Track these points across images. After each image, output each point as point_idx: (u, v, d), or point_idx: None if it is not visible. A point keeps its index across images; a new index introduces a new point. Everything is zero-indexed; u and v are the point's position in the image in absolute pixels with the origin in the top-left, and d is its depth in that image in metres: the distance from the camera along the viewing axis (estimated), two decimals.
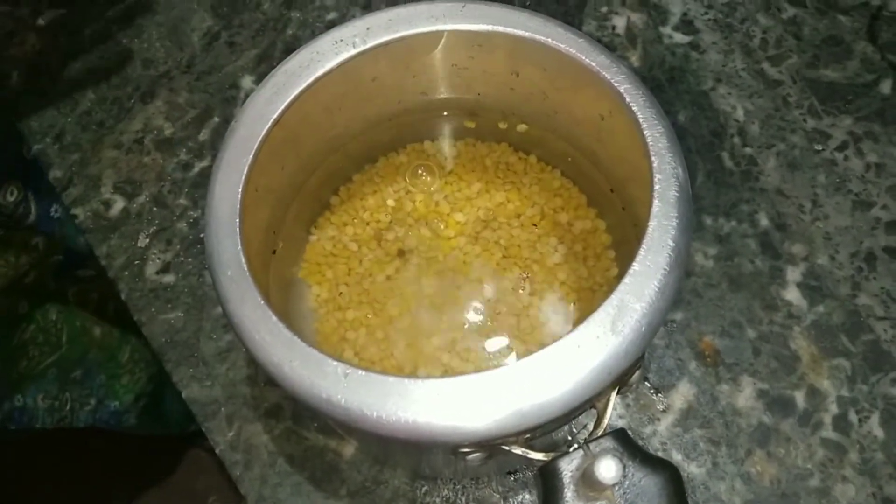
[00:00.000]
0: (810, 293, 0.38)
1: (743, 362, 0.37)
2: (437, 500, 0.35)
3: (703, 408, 0.36)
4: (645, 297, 0.24)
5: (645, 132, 0.27)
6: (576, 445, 0.24)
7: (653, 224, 0.25)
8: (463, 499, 0.35)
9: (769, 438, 0.35)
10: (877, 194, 0.40)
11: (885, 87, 0.43)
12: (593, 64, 0.28)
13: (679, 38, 0.45)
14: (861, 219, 0.40)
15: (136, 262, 0.41)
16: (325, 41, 0.29)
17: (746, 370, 0.37)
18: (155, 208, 0.42)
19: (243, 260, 0.26)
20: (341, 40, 0.29)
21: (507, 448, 0.24)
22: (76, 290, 0.57)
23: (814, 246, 0.39)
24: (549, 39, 0.29)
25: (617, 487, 0.22)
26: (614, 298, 0.24)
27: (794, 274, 0.38)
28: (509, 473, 0.35)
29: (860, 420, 0.36)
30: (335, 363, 0.24)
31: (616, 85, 0.28)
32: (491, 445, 0.24)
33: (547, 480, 0.23)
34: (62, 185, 0.44)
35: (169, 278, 0.41)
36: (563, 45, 0.29)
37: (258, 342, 0.25)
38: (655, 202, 0.26)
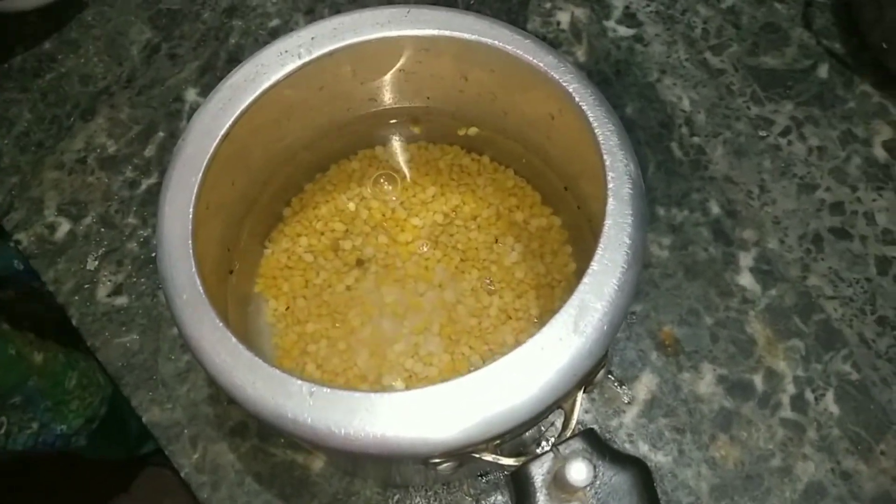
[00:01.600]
0: (763, 277, 0.39)
1: (702, 349, 0.38)
2: None
3: (667, 397, 0.37)
4: (605, 296, 0.24)
5: (596, 131, 0.27)
6: (545, 448, 0.24)
7: (608, 223, 0.26)
8: None
9: (731, 422, 0.36)
10: (820, 177, 0.41)
11: (822, 71, 0.44)
12: (541, 64, 0.28)
13: (623, 31, 0.45)
14: (807, 202, 0.41)
15: (87, 286, 0.40)
16: (270, 52, 0.29)
17: (706, 357, 0.37)
18: (103, 229, 0.41)
19: (198, 282, 0.25)
20: (286, 51, 0.29)
21: (477, 455, 0.24)
22: (6, 315, 0.54)
23: (764, 231, 0.40)
24: (496, 42, 0.29)
25: (588, 488, 0.22)
26: (575, 299, 0.24)
27: (746, 259, 0.39)
28: (480, 476, 0.35)
29: (816, 398, 0.37)
30: (299, 382, 0.24)
31: (564, 84, 0.28)
32: (461, 454, 0.24)
33: (519, 485, 0.23)
34: (2, 209, 0.42)
35: (122, 300, 0.39)
36: (510, 47, 0.29)
37: (219, 365, 0.24)
38: (610, 200, 0.26)
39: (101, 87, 0.45)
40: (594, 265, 0.25)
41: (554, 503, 0.22)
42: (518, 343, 0.35)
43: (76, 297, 0.40)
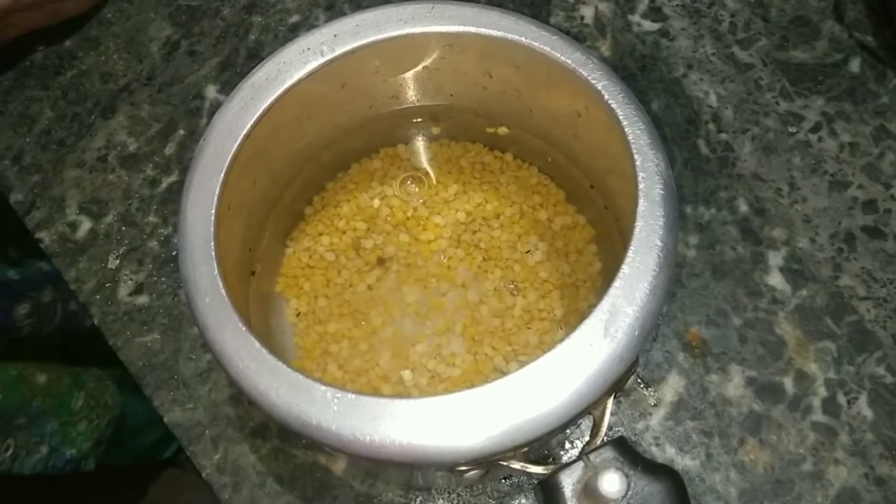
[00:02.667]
0: (793, 277, 0.38)
1: (730, 351, 0.37)
2: None
3: (694, 399, 0.36)
4: (636, 301, 0.24)
5: (626, 129, 0.26)
6: (573, 456, 0.23)
7: (639, 224, 0.25)
8: None
9: (760, 426, 0.35)
10: (852, 174, 0.40)
11: (854, 65, 0.43)
12: (569, 61, 0.28)
13: (648, 25, 0.44)
14: (838, 199, 0.40)
15: (108, 285, 0.40)
16: (292, 50, 0.28)
17: (734, 359, 0.37)
18: (124, 227, 0.41)
19: (221, 285, 0.25)
20: (308, 49, 0.28)
21: (504, 463, 0.23)
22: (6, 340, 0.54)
23: (793, 229, 0.39)
24: (522, 38, 0.28)
25: (621, 499, 0.22)
26: (605, 303, 0.24)
27: (775, 259, 0.38)
28: (504, 478, 0.35)
29: (849, 402, 0.36)
30: (323, 388, 0.23)
31: (593, 82, 0.27)
32: (488, 462, 0.23)
33: (548, 494, 0.23)
34: (24, 208, 0.42)
35: (143, 299, 0.39)
36: (536, 44, 0.28)
37: (242, 370, 0.24)
38: (641, 201, 0.25)
39: (122, 85, 0.45)
40: (625, 268, 0.24)
41: None
42: (542, 343, 0.35)
43: (97, 297, 0.40)
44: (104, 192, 0.42)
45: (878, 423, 0.35)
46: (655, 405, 0.36)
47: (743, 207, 0.40)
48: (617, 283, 0.24)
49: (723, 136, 0.41)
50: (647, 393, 0.36)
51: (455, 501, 0.35)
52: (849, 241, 0.39)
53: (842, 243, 0.39)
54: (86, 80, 0.45)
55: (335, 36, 0.28)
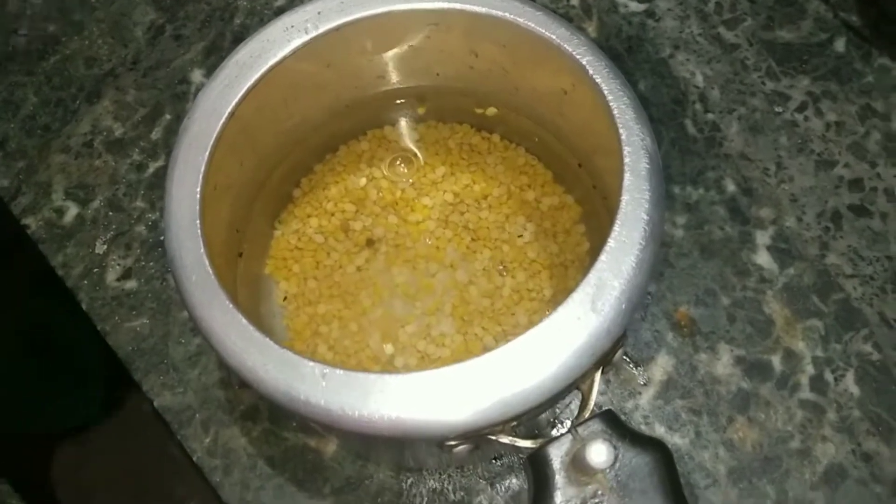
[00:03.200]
0: (780, 256, 0.38)
1: (719, 330, 0.37)
2: (424, 491, 0.35)
3: (683, 378, 0.36)
4: (623, 274, 0.24)
5: (611, 104, 0.26)
6: (563, 430, 0.23)
7: (625, 198, 0.25)
8: (450, 488, 0.35)
9: (749, 404, 0.36)
10: (838, 153, 0.40)
11: (839, 45, 0.43)
12: (553, 37, 0.28)
13: (634, 6, 0.44)
14: (825, 178, 0.40)
15: (95, 270, 0.39)
16: (276, 28, 0.28)
17: (723, 337, 0.37)
18: (111, 213, 0.41)
19: (207, 263, 0.25)
20: (292, 26, 0.28)
21: (493, 437, 0.23)
22: None
23: (781, 208, 0.39)
24: (507, 14, 0.28)
25: (608, 470, 0.22)
26: (592, 277, 0.24)
27: (763, 238, 0.39)
28: (495, 459, 0.35)
29: (836, 379, 0.36)
30: (312, 364, 0.23)
31: (578, 57, 0.27)
32: (477, 436, 0.23)
33: (537, 468, 0.23)
34: (10, 194, 0.42)
35: (131, 284, 0.39)
36: (521, 20, 0.28)
37: (230, 348, 0.24)
38: (626, 176, 0.25)
39: (107, 70, 0.44)
40: (611, 242, 0.24)
41: (573, 485, 0.22)
42: (532, 323, 0.35)
43: (85, 282, 0.39)
44: (91, 178, 0.42)
45: (865, 400, 0.35)
46: (645, 384, 0.36)
47: (730, 187, 0.40)
48: (603, 257, 0.24)
49: (710, 116, 0.41)
50: (636, 372, 0.36)
51: (446, 482, 0.35)
52: (835, 219, 0.39)
53: (828, 222, 0.39)
54: (70, 64, 0.45)
55: (319, 13, 0.28)
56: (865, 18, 0.43)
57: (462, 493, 0.35)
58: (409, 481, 0.35)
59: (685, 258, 0.38)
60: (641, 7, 0.44)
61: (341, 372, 0.23)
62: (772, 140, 0.41)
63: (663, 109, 0.41)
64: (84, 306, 0.39)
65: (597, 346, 0.23)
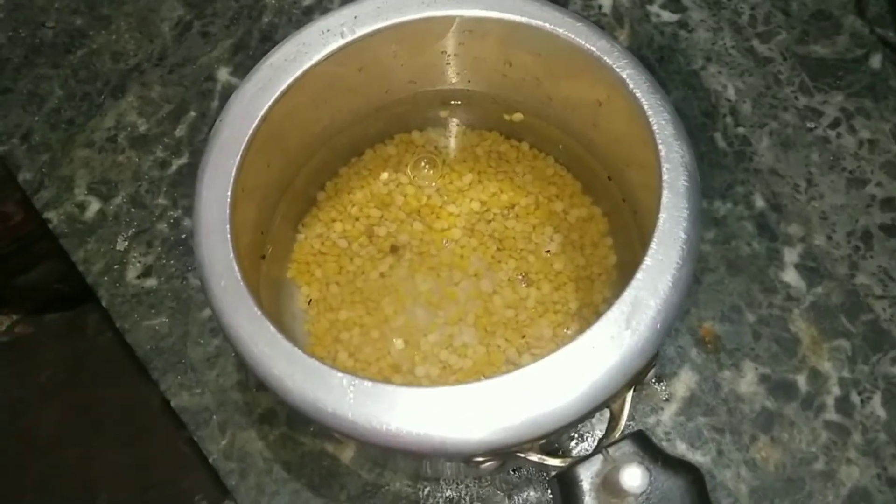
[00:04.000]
0: (808, 274, 0.38)
1: (744, 347, 0.36)
2: (441, 500, 0.34)
3: (706, 395, 0.36)
4: (659, 294, 0.23)
5: (651, 119, 0.26)
6: (588, 448, 0.23)
7: (663, 216, 0.25)
8: (466, 498, 0.34)
9: (773, 423, 0.35)
10: (871, 171, 0.40)
11: (875, 61, 0.42)
12: (593, 49, 0.27)
13: (667, 16, 0.44)
14: (856, 197, 0.39)
15: (116, 267, 0.39)
16: (312, 31, 0.28)
17: (748, 355, 0.36)
18: (133, 209, 0.41)
19: (237, 269, 0.25)
20: (328, 30, 0.28)
21: (522, 455, 0.23)
22: None
23: (810, 226, 0.39)
24: (546, 24, 0.28)
25: (639, 494, 0.21)
26: (627, 296, 0.23)
27: (791, 255, 0.38)
28: (513, 470, 0.35)
29: (862, 401, 0.35)
30: (340, 375, 0.23)
31: (618, 70, 0.27)
32: (505, 453, 0.23)
33: (565, 487, 0.22)
34: (33, 187, 0.42)
35: (151, 282, 0.39)
36: (560, 30, 0.28)
37: (257, 355, 0.24)
38: (665, 193, 0.25)
39: (133, 65, 0.44)
40: (648, 260, 0.24)
41: None
42: (556, 336, 0.34)
43: (105, 278, 0.39)
44: (113, 173, 0.42)
45: (892, 423, 0.35)
46: (667, 400, 0.36)
47: (759, 203, 0.39)
48: (639, 276, 0.24)
49: (740, 129, 0.41)
50: (658, 388, 0.36)
51: (463, 492, 0.35)
52: (866, 238, 0.38)
53: (858, 241, 0.38)
54: (96, 59, 0.45)
55: (356, 17, 0.28)
56: None
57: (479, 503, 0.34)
58: (426, 490, 0.35)
59: (711, 273, 0.38)
60: (674, 17, 0.44)
61: (369, 384, 0.23)
62: (803, 156, 0.40)
63: (693, 122, 0.41)
64: (104, 303, 0.39)
65: (630, 365, 0.23)
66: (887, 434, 0.35)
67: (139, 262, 0.39)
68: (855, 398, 0.35)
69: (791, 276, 0.38)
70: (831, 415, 0.35)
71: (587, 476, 0.22)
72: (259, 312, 0.24)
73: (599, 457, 0.22)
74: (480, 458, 0.23)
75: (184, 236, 0.40)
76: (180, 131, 0.42)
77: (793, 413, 0.35)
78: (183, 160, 0.42)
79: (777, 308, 0.37)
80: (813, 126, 0.41)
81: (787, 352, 0.36)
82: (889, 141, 0.40)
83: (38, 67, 0.45)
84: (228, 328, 0.24)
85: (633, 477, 0.20)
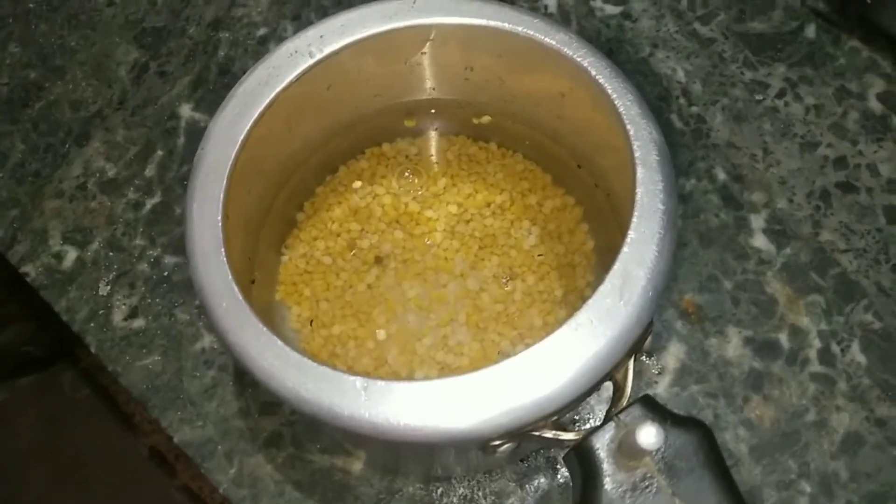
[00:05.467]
0: (776, 237, 0.39)
1: (725, 314, 0.38)
2: (455, 499, 0.35)
3: (696, 364, 0.37)
4: (646, 263, 0.25)
5: (616, 102, 0.27)
6: (604, 420, 0.24)
7: (640, 191, 0.26)
8: (480, 494, 0.35)
9: (762, 382, 0.36)
10: (820, 134, 0.42)
11: (810, 31, 0.45)
12: (553, 42, 0.29)
13: (610, 9, 0.45)
14: (810, 160, 0.41)
15: (101, 312, 0.39)
16: (280, 54, 0.29)
17: (730, 321, 0.38)
18: (111, 253, 0.41)
19: (236, 289, 0.25)
20: (296, 51, 0.29)
21: (537, 434, 0.24)
22: None
23: (771, 192, 0.40)
24: (506, 24, 0.29)
25: (655, 453, 0.22)
26: (617, 269, 0.24)
27: (758, 221, 0.40)
28: (521, 460, 0.35)
29: (842, 350, 0.37)
30: (352, 378, 0.24)
31: (579, 60, 0.28)
32: (521, 434, 0.24)
33: (583, 458, 0.23)
34: (5, 243, 0.41)
35: (139, 323, 0.39)
36: (520, 28, 0.29)
37: (268, 370, 0.24)
38: (639, 169, 0.26)
39: (94, 111, 0.44)
40: (632, 234, 0.25)
41: (621, 471, 0.22)
42: (546, 324, 0.35)
43: (91, 324, 0.39)
44: (87, 220, 0.42)
45: (873, 368, 0.36)
46: (659, 373, 0.37)
47: (721, 175, 0.41)
48: (626, 249, 0.25)
49: (694, 109, 0.42)
50: (650, 362, 0.37)
51: (476, 488, 0.35)
52: (824, 197, 0.40)
53: (818, 201, 0.40)
54: (56, 109, 0.45)
55: (322, 37, 0.29)
56: (832, 4, 0.45)
57: (493, 498, 0.35)
58: (440, 491, 0.35)
59: (685, 247, 0.39)
60: (617, 10, 0.45)
61: (382, 383, 0.23)
62: (756, 127, 0.42)
63: (649, 106, 0.42)
64: (93, 349, 0.39)
65: (629, 334, 0.24)
66: (870, 378, 0.36)
67: (124, 304, 0.39)
68: (835, 348, 0.37)
69: (760, 241, 0.39)
70: (815, 367, 0.37)
71: (602, 444, 0.23)
72: (264, 328, 0.24)
73: (612, 424, 0.23)
74: (497, 442, 0.24)
75: (166, 273, 0.40)
76: (150, 171, 0.43)
77: (779, 370, 0.37)
78: (156, 199, 0.42)
79: (751, 273, 0.39)
80: (761, 98, 0.43)
81: (766, 313, 0.38)
82: (833, 104, 0.42)
83: None
84: (235, 347, 0.25)
85: (649, 435, 0.21)
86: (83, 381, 0.93)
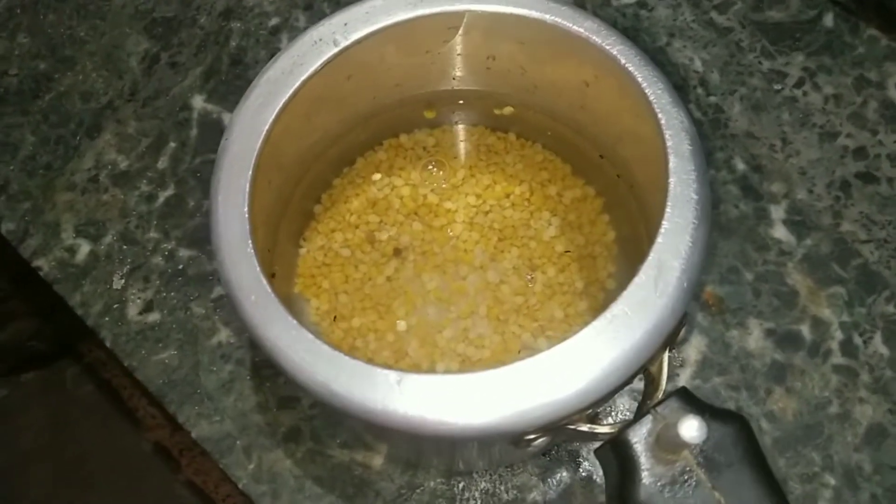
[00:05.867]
0: (796, 228, 0.39)
1: (746, 305, 0.38)
2: (476, 494, 0.35)
3: (718, 356, 0.37)
4: (681, 254, 0.24)
5: (646, 91, 0.27)
6: (639, 413, 0.24)
7: (673, 180, 0.25)
8: (502, 488, 0.35)
9: (785, 374, 0.36)
10: (839, 124, 0.41)
11: (828, 20, 0.44)
12: (581, 30, 0.28)
13: None
14: (830, 150, 0.41)
15: (116, 306, 0.39)
16: (304, 42, 0.28)
17: (751, 312, 0.37)
18: (125, 246, 0.40)
19: (265, 282, 0.25)
20: (321, 39, 0.28)
21: (572, 427, 0.24)
22: None
23: (791, 182, 0.40)
24: (532, 11, 0.28)
25: (694, 446, 0.22)
26: (652, 260, 0.24)
27: (778, 212, 0.39)
28: (543, 454, 0.35)
29: (865, 342, 0.37)
30: (385, 371, 0.23)
31: (608, 48, 0.28)
32: (556, 428, 0.23)
33: (619, 452, 0.23)
34: (17, 237, 0.41)
35: (154, 317, 0.38)
36: (547, 16, 0.28)
37: (298, 363, 0.24)
38: (672, 158, 0.26)
39: (105, 103, 0.44)
40: (665, 224, 0.25)
41: (660, 465, 0.22)
42: (567, 316, 0.35)
43: (106, 319, 0.39)
44: (100, 213, 0.41)
45: (895, 359, 0.36)
46: (681, 366, 0.37)
47: (740, 166, 0.40)
48: (660, 240, 0.24)
49: (712, 98, 0.42)
50: (671, 355, 0.37)
51: (497, 482, 0.35)
52: (844, 188, 0.40)
53: (838, 191, 0.40)
54: (66, 101, 0.44)
55: (346, 24, 0.28)
56: None
57: (515, 492, 0.35)
58: (461, 485, 0.35)
59: None
60: None
61: (416, 376, 0.23)
62: (774, 117, 0.42)
63: None
64: (108, 343, 0.38)
65: (664, 326, 0.23)
66: (892, 370, 0.36)
67: (139, 298, 0.39)
68: (857, 340, 0.37)
69: (781, 232, 0.39)
70: (838, 359, 0.36)
71: (640, 437, 0.23)
72: (294, 321, 0.24)
73: (649, 417, 0.23)
74: (532, 436, 0.24)
75: (181, 267, 0.40)
76: (162, 163, 0.42)
77: (801, 362, 0.36)
78: (169, 192, 0.41)
79: (772, 264, 0.38)
80: (780, 87, 0.42)
81: (787, 304, 0.38)
82: (852, 93, 0.42)
83: (6, 116, 0.44)
84: (264, 341, 0.24)
85: (691, 428, 0.21)
86: (87, 376, 0.93)
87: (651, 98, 0.27)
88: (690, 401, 0.23)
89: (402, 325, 0.35)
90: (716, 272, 0.38)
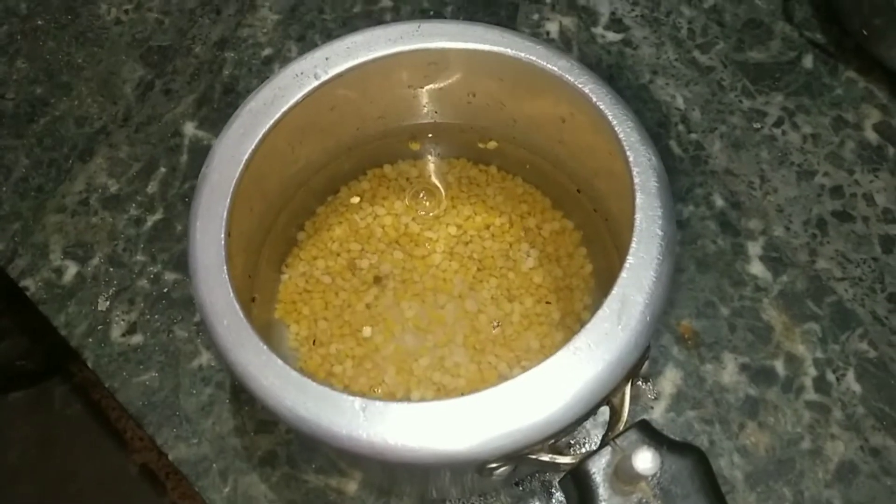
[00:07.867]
0: (773, 264, 0.40)
1: (721, 340, 0.38)
2: None
3: (692, 389, 0.37)
4: (645, 289, 0.25)
5: (616, 129, 0.28)
6: (601, 444, 0.24)
7: (639, 216, 0.26)
8: None
9: (758, 409, 0.37)
10: (817, 163, 0.42)
11: (807, 62, 0.45)
12: (555, 69, 0.29)
13: (611, 36, 0.46)
14: (807, 188, 0.41)
15: (100, 327, 0.39)
16: (286, 75, 0.29)
17: (726, 347, 0.38)
18: (111, 269, 0.41)
19: (238, 307, 0.25)
20: (302, 73, 0.29)
21: (534, 457, 0.24)
22: None
23: (768, 219, 0.41)
24: (508, 49, 0.29)
25: (651, 478, 0.22)
26: (616, 294, 0.25)
27: (755, 248, 0.40)
28: (516, 484, 0.35)
29: (838, 378, 0.37)
30: (351, 398, 0.24)
31: (580, 86, 0.28)
32: (518, 457, 0.24)
33: (579, 482, 0.23)
34: (6, 257, 0.41)
35: (137, 339, 0.39)
36: (522, 54, 0.29)
37: (268, 388, 0.24)
38: (638, 195, 0.26)
39: (98, 128, 0.45)
40: (630, 259, 0.25)
41: (617, 495, 0.23)
42: (543, 347, 0.36)
43: (90, 340, 0.39)
44: (88, 235, 0.42)
45: (868, 397, 0.37)
46: (655, 399, 0.37)
47: (719, 202, 0.41)
48: (624, 274, 0.25)
49: (693, 135, 0.43)
50: (646, 387, 0.37)
51: None
52: (821, 226, 0.41)
53: (815, 229, 0.40)
54: (60, 125, 0.45)
55: (327, 59, 0.29)
56: (829, 36, 0.45)
57: None
58: None
59: (682, 273, 0.40)
60: (618, 37, 0.46)
61: (381, 403, 0.24)
62: (754, 155, 0.42)
63: (648, 132, 0.43)
64: (90, 364, 0.39)
65: (627, 359, 0.24)
66: (864, 407, 0.36)
67: (123, 320, 0.40)
68: (831, 377, 0.37)
69: (757, 268, 0.40)
70: (811, 395, 0.37)
71: (599, 468, 0.23)
72: (265, 347, 0.25)
73: (608, 448, 0.23)
74: (494, 465, 0.24)
75: (166, 290, 0.40)
76: (152, 188, 0.43)
77: (775, 397, 0.37)
78: (157, 216, 0.42)
79: (748, 299, 0.39)
80: (759, 126, 0.43)
81: (762, 340, 0.38)
82: (830, 133, 0.43)
83: (0, 139, 0.45)
84: (235, 365, 0.25)
85: (645, 460, 0.21)
86: (75, 396, 0.93)
87: (620, 136, 0.27)
88: (650, 433, 0.24)
89: (378, 353, 0.35)
90: (692, 306, 0.39)
